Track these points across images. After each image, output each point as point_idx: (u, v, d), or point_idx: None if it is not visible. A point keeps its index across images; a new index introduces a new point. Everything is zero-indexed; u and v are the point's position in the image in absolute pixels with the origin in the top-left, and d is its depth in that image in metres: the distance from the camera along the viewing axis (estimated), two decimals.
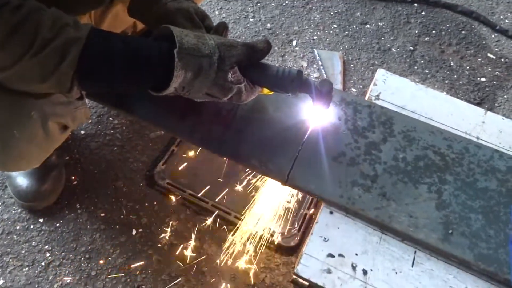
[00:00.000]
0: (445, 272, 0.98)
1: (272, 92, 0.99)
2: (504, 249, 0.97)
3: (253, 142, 1.08)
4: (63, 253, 1.33)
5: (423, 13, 2.13)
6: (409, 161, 1.08)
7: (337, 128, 1.12)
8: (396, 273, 0.97)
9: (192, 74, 0.85)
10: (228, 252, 1.32)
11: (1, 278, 1.27)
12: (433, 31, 2.06)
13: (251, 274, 1.30)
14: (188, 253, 1.33)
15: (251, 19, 2.03)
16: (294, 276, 0.98)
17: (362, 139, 1.11)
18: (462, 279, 0.97)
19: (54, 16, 0.80)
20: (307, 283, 0.97)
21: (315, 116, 1.09)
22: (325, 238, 0.99)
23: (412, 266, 0.98)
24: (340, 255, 0.98)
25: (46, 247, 1.34)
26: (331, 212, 1.03)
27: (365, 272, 0.96)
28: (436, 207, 1.02)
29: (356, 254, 0.98)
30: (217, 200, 1.41)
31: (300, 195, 1.39)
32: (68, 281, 1.28)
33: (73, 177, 1.46)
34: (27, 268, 1.30)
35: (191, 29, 0.98)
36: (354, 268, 0.96)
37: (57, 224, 1.37)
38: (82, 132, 1.56)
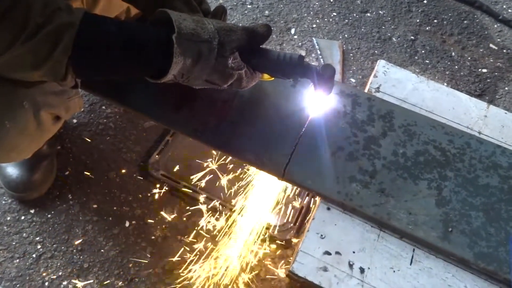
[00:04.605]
0: (444, 270, 0.96)
1: (273, 78, 0.96)
2: (504, 248, 0.96)
3: (248, 135, 1.05)
4: (54, 245, 1.30)
5: (424, 1, 2.08)
6: (409, 157, 1.06)
7: (335, 121, 1.09)
8: (394, 271, 0.95)
9: (191, 60, 0.82)
10: (223, 245, 1.30)
11: None
12: (435, 20, 2.02)
13: (246, 267, 1.28)
14: (182, 245, 1.30)
15: (248, 6, 1.98)
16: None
17: (361, 133, 1.08)
18: (461, 278, 0.95)
19: (45, 0, 0.76)
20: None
21: (314, 107, 1.06)
22: (321, 235, 0.97)
23: (411, 264, 0.96)
24: (337, 252, 0.96)
25: (37, 238, 1.31)
26: (328, 208, 1.01)
27: (362, 270, 0.94)
28: (436, 204, 1.00)
29: (354, 252, 0.96)
30: (211, 192, 1.38)
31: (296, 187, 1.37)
32: (60, 273, 1.26)
33: (65, 167, 1.43)
34: (17, 260, 1.27)
35: (188, 13, 0.94)
36: (351, 266, 0.95)
37: (49, 215, 1.35)
38: (74, 121, 1.52)
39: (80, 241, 1.31)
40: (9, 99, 0.90)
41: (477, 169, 1.06)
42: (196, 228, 1.34)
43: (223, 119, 1.07)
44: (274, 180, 1.10)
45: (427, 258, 0.97)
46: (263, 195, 1.31)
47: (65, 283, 1.24)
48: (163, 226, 1.34)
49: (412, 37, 1.94)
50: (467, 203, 1.01)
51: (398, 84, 1.22)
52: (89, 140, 1.48)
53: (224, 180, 1.39)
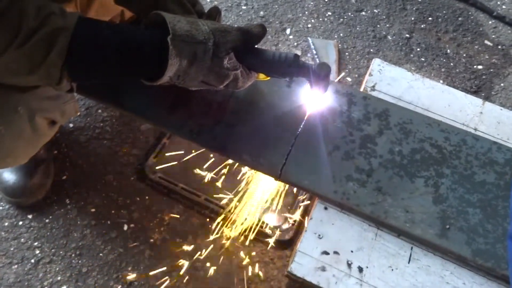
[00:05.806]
0: (442, 268, 0.96)
1: (269, 78, 0.96)
2: (501, 244, 0.96)
3: (244, 136, 1.05)
4: (53, 250, 1.30)
5: None
6: (405, 155, 1.06)
7: (331, 121, 1.09)
8: (392, 270, 0.95)
9: (187, 61, 0.82)
10: (222, 247, 1.30)
11: None
12: (430, 18, 2.02)
13: (245, 268, 1.28)
14: (181, 248, 1.30)
15: (243, 7, 1.98)
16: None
17: (357, 132, 1.08)
18: (459, 275, 0.95)
19: (39, 4, 0.75)
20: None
21: (309, 107, 1.06)
22: (319, 235, 0.97)
23: (409, 263, 0.96)
24: (335, 252, 0.96)
25: (36, 244, 1.31)
26: (325, 208, 1.01)
27: (360, 269, 0.94)
28: (433, 201, 1.00)
29: (352, 251, 0.96)
30: (210, 193, 1.38)
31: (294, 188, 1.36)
32: (59, 278, 1.26)
33: (62, 172, 1.42)
34: (16, 266, 1.27)
35: (182, 15, 0.94)
36: (349, 265, 0.94)
37: (47, 220, 1.34)
38: (71, 125, 1.52)
39: (78, 245, 1.30)
40: (3, 104, 0.90)
41: (473, 166, 1.06)
42: (194, 229, 1.34)
43: (219, 121, 1.07)
44: (272, 180, 1.10)
45: (425, 256, 0.97)
46: (261, 196, 1.31)
47: (64, 287, 1.24)
48: (161, 229, 1.34)
49: (407, 35, 1.95)
50: (464, 200, 1.01)
51: (393, 82, 1.22)
52: (85, 144, 1.48)
53: (223, 181, 1.39)
